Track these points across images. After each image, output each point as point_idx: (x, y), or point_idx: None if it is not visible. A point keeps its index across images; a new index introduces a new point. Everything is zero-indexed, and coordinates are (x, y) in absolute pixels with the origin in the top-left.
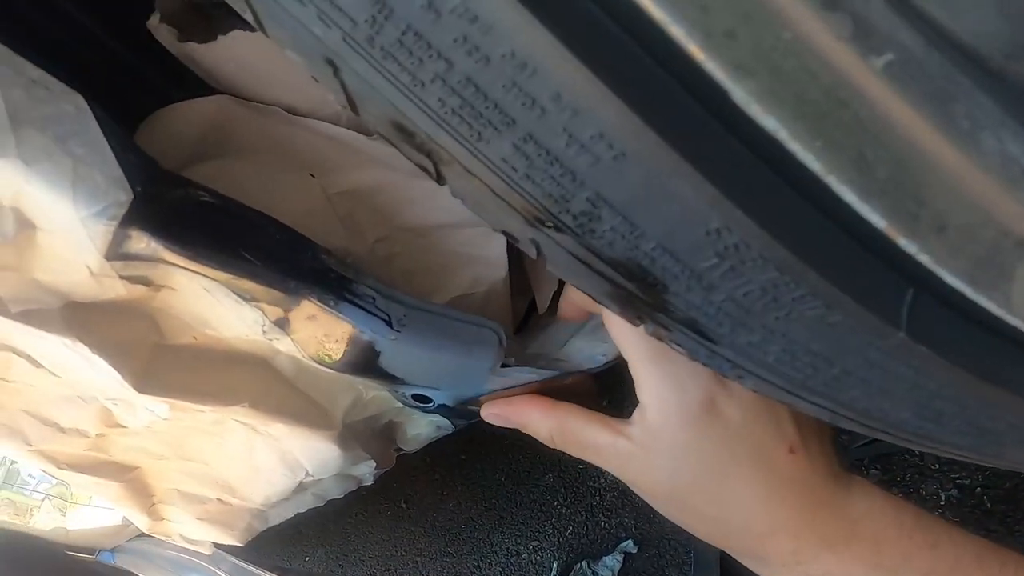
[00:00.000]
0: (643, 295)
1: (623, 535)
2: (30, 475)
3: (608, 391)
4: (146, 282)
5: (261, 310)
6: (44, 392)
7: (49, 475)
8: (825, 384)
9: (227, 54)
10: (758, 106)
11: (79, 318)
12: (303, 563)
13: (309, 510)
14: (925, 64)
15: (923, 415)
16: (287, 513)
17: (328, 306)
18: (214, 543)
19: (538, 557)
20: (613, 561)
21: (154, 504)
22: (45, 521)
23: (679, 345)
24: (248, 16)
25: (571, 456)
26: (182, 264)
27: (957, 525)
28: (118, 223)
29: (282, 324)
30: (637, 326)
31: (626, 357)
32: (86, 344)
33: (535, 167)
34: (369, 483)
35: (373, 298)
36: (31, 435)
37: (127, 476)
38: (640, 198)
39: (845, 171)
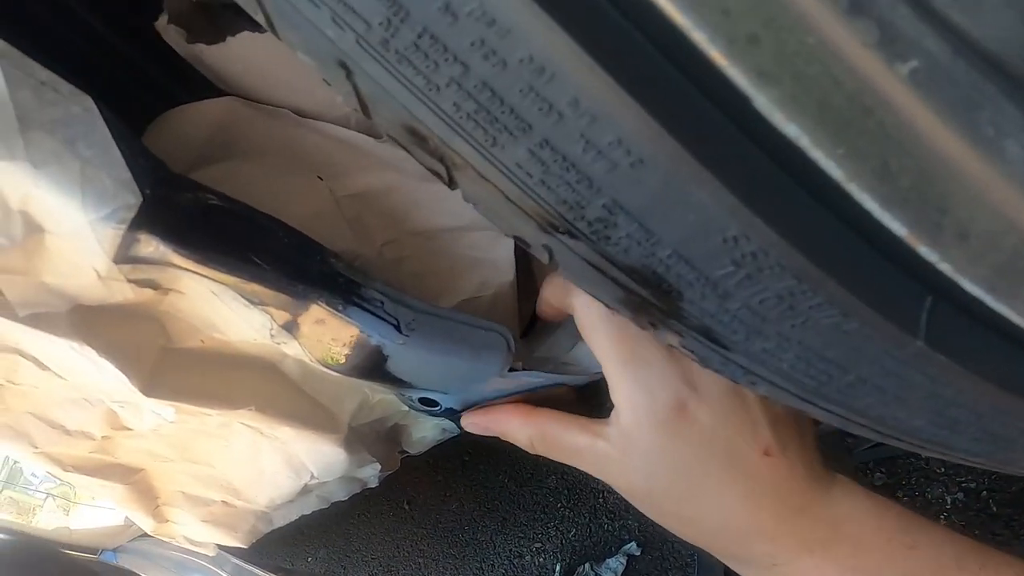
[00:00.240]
0: (657, 302)
1: (626, 537)
2: (33, 474)
3: (590, 391)
4: (154, 285)
5: (269, 314)
6: (50, 394)
7: (54, 477)
8: (839, 391)
9: (235, 56)
10: (780, 113)
11: (87, 322)
12: (305, 564)
13: (303, 514)
14: (951, 71)
15: (938, 422)
16: (291, 515)
17: (336, 310)
18: (218, 545)
19: (541, 559)
20: (616, 563)
21: (159, 506)
22: (48, 520)
23: (692, 352)
24: (260, 18)
25: None
26: (191, 268)
27: (941, 525)
28: (127, 227)
29: (290, 328)
30: (648, 331)
31: (598, 359)
32: (93, 347)
33: (551, 173)
34: (374, 485)
35: (381, 302)
36: (37, 437)
37: (132, 478)
38: (657, 205)
39: (867, 179)
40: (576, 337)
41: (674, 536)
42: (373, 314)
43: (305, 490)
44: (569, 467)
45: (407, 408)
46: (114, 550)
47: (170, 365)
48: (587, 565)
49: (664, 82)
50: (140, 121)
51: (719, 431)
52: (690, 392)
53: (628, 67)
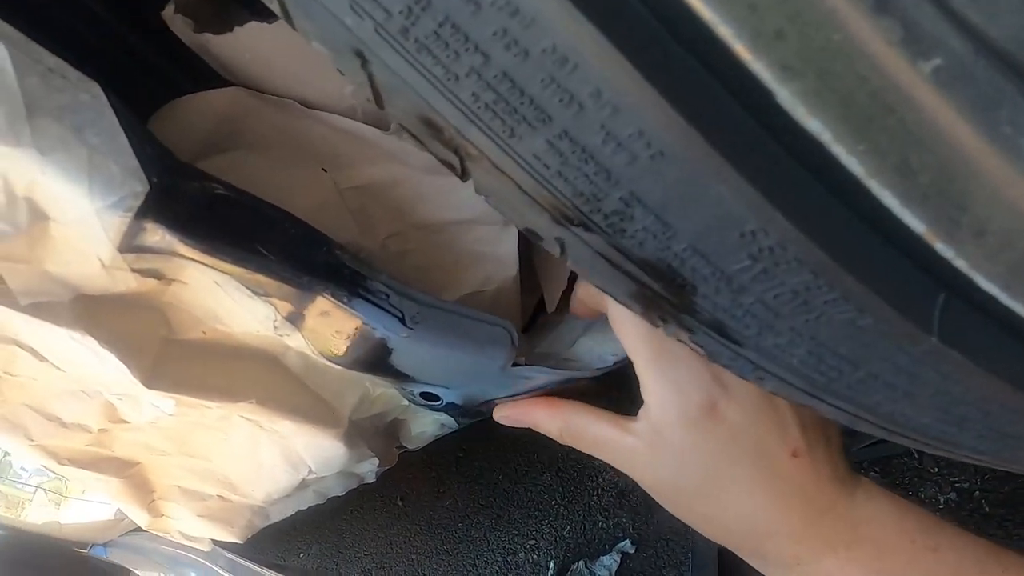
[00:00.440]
0: (669, 296)
1: (620, 535)
2: (22, 468)
3: (616, 388)
4: (158, 275)
5: (273, 305)
6: (47, 386)
7: (49, 470)
8: (849, 387)
9: (242, 46)
10: (803, 108)
11: (89, 311)
12: (297, 559)
13: (299, 510)
14: (972, 70)
15: (946, 420)
16: (288, 510)
17: (341, 302)
18: (213, 540)
19: (535, 556)
20: (610, 561)
21: (154, 500)
22: (37, 514)
23: (701, 347)
24: (275, 6)
25: (569, 455)
26: (196, 258)
27: (960, 528)
28: (133, 215)
29: (294, 320)
30: (658, 327)
31: (631, 357)
32: (95, 338)
33: (568, 165)
34: (370, 481)
35: (387, 295)
36: (33, 430)
37: (128, 472)
38: (675, 198)
39: (888, 175)
40: (578, 333)
41: (668, 534)
42: (378, 306)
43: (302, 485)
44: (564, 464)
45: (407, 403)
46: (104, 545)
47: (172, 356)
48: (581, 563)
49: (688, 74)
50: (145, 111)
51: (749, 431)
52: (721, 391)
53: (652, 59)
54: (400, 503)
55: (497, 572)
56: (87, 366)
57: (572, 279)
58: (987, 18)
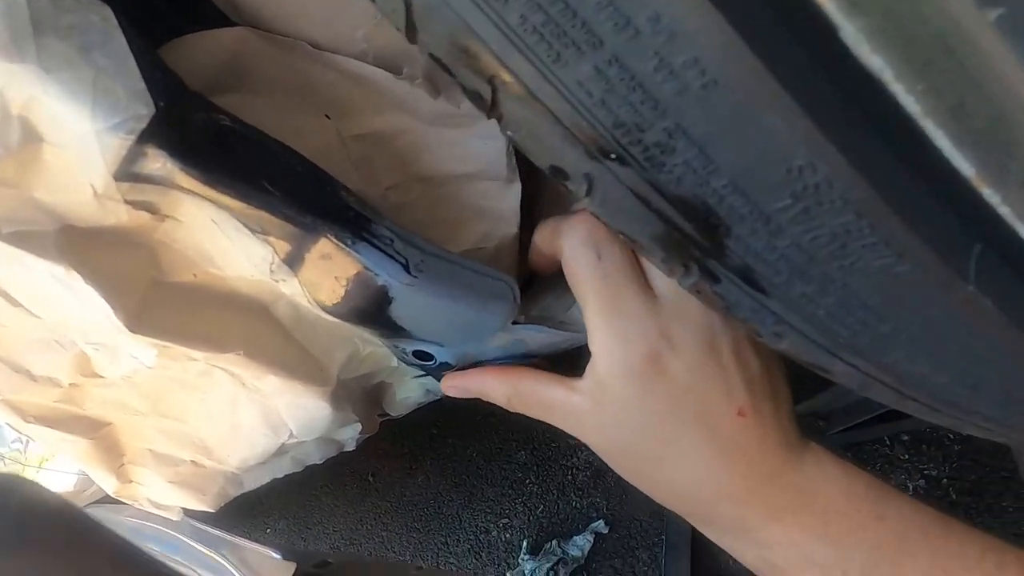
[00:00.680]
0: (699, 238)
1: (594, 515)
2: None
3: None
4: (152, 209)
5: (272, 246)
6: (18, 335)
7: (14, 429)
8: (871, 343)
9: None
10: (867, 44)
11: (75, 244)
12: (263, 535)
13: (274, 479)
14: None
15: (963, 381)
16: (263, 478)
17: (345, 244)
18: (184, 509)
19: (508, 535)
20: (584, 541)
21: (123, 465)
22: None
23: (721, 297)
24: None
25: (545, 433)
26: (196, 190)
27: (908, 496)
28: (135, 138)
29: (292, 262)
30: (680, 274)
31: (581, 305)
32: (80, 273)
33: (614, 93)
34: (351, 449)
35: (391, 240)
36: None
37: (98, 433)
38: (723, 130)
39: (942, 116)
40: (574, 298)
41: (642, 515)
42: (382, 251)
43: (280, 451)
44: (539, 443)
45: (396, 364)
46: None
47: (159, 299)
48: (554, 542)
49: (751, 3)
50: None
51: (693, 387)
52: (666, 344)
53: None
54: (371, 479)
55: (469, 550)
56: (66, 310)
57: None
58: None
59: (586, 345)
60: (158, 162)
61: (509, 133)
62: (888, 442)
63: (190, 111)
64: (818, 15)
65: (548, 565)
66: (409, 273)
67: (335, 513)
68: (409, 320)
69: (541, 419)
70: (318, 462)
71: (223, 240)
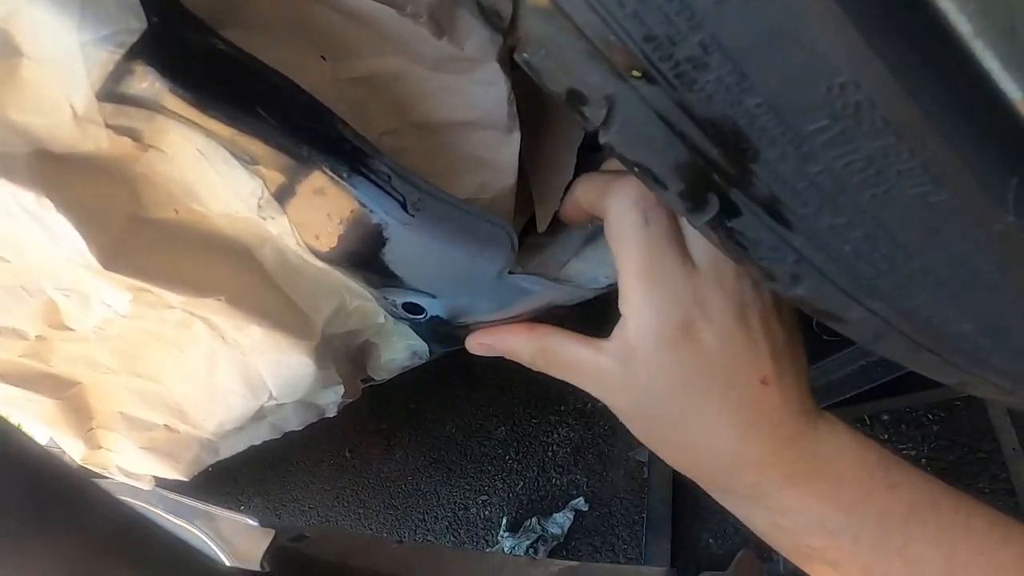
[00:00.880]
0: (725, 164)
1: (575, 492)
2: None
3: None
4: (135, 136)
5: (262, 178)
6: None
7: None
8: (895, 285)
9: None
10: None
11: (49, 170)
12: (237, 513)
13: (247, 455)
14: None
15: (986, 329)
16: (239, 445)
17: (340, 178)
18: (156, 478)
19: (487, 512)
20: (564, 518)
21: (92, 429)
22: None
23: (743, 233)
24: None
25: (524, 409)
26: (184, 114)
27: (918, 468)
28: (124, 52)
29: (283, 197)
30: (698, 208)
31: (618, 266)
32: (52, 201)
33: (647, 3)
34: (331, 415)
35: (389, 176)
36: None
37: (66, 393)
38: (762, 43)
39: (993, 37)
40: (569, 255)
41: (623, 493)
42: (379, 187)
43: (258, 415)
44: (519, 419)
45: (383, 321)
46: None
47: (137, 236)
48: (534, 519)
49: None
50: None
51: (722, 355)
52: (699, 313)
53: None
54: (348, 455)
55: (448, 528)
56: (34, 251)
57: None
58: None
59: (614, 307)
60: (146, 81)
61: (525, 56)
62: (868, 421)
63: (184, 30)
64: None
65: (528, 543)
66: (406, 211)
67: (311, 490)
68: (403, 265)
69: (565, 379)
70: (297, 428)
71: (209, 173)
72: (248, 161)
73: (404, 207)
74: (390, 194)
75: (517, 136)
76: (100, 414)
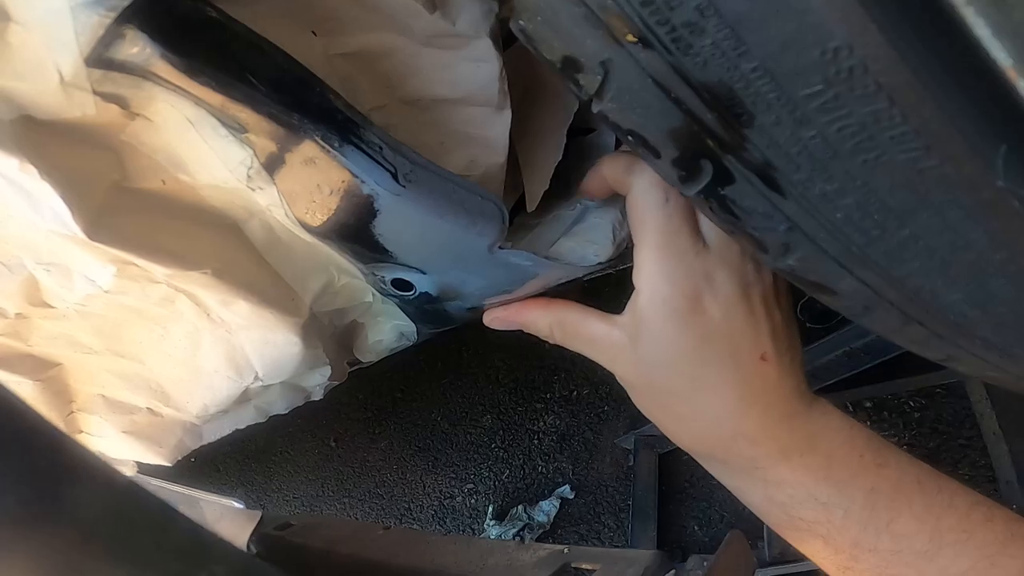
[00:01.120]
0: (720, 129)
1: (560, 480)
2: None
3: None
4: (122, 104)
5: (252, 147)
6: None
7: None
8: (886, 253)
9: None
10: None
11: (33, 136)
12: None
13: (230, 444)
14: None
15: (974, 298)
16: (224, 429)
17: (331, 147)
18: (138, 463)
19: (473, 500)
20: (550, 506)
21: (72, 412)
22: None
23: (735, 202)
24: None
25: (511, 398)
26: (174, 80)
27: (904, 451)
28: (116, 15)
29: (272, 166)
30: (691, 176)
31: (635, 239)
32: (36, 168)
33: None
34: (318, 398)
35: (380, 147)
36: None
37: (45, 374)
38: (758, 8)
39: (984, 5)
40: (557, 234)
41: (609, 480)
42: (370, 157)
43: (243, 397)
44: (505, 407)
45: (370, 301)
46: None
47: (122, 206)
48: (520, 507)
49: None
50: None
51: (726, 330)
52: (707, 287)
53: None
54: (333, 444)
55: (433, 516)
56: (15, 221)
57: (568, 170)
58: None
59: (628, 283)
60: (136, 46)
61: (521, 23)
62: (851, 408)
63: None
64: None
65: (514, 531)
66: (397, 182)
67: (296, 479)
68: (393, 238)
69: (580, 351)
70: (283, 412)
71: (198, 142)
72: (238, 129)
73: (395, 178)
74: (381, 164)
75: (508, 114)
76: (80, 396)
